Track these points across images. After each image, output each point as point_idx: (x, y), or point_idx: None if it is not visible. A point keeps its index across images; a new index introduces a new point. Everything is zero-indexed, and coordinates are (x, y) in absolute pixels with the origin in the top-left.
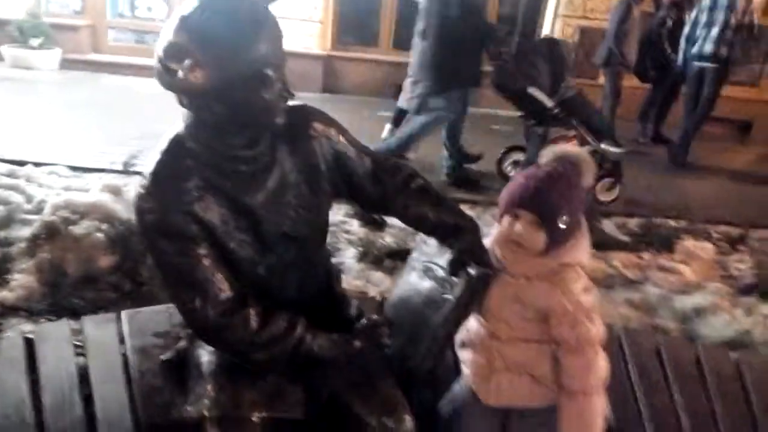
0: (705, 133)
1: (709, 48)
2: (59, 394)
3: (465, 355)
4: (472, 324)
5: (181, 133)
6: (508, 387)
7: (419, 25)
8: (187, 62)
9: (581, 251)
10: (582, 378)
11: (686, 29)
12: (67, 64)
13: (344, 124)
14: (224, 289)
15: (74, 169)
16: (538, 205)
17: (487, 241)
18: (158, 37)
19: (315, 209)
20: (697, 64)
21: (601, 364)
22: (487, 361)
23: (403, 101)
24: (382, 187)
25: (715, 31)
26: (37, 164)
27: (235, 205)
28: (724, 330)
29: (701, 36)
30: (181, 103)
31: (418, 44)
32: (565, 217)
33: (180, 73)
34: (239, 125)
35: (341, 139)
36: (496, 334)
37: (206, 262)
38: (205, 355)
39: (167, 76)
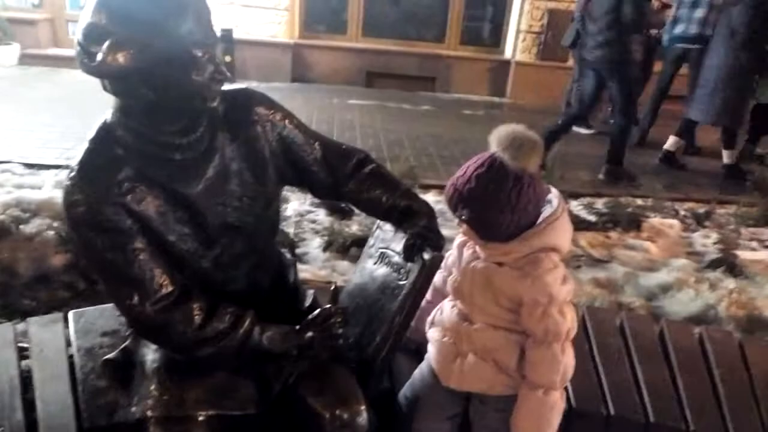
0: (673, 111)
1: (693, 29)
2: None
3: (432, 335)
4: (446, 304)
5: (110, 120)
6: (471, 371)
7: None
8: (107, 43)
9: (554, 238)
10: (545, 373)
11: (672, 10)
12: (26, 60)
13: (314, 113)
14: (163, 284)
15: (29, 166)
16: (449, 205)
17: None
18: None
19: (261, 198)
20: (680, 45)
21: (567, 361)
22: (454, 343)
23: (697, 113)
24: (333, 173)
25: (699, 12)
26: None
27: (171, 196)
28: (689, 306)
29: (685, 17)
30: (106, 89)
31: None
32: (463, 212)
33: (99, 56)
34: (169, 110)
35: (287, 123)
36: (468, 317)
37: (143, 256)
38: (150, 353)
39: (87, 60)
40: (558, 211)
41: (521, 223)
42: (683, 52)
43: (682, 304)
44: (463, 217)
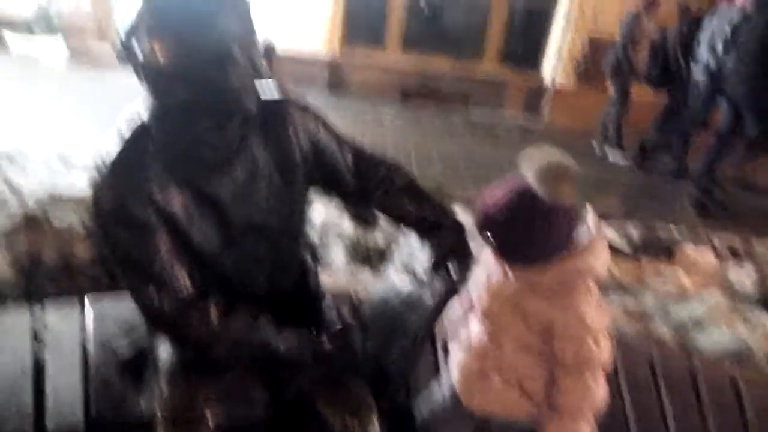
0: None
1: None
2: (9, 385)
3: (457, 356)
4: (473, 324)
5: (143, 116)
6: (495, 395)
7: None
8: (145, 40)
9: (589, 264)
10: (574, 401)
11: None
12: (74, 59)
13: (347, 126)
14: (183, 282)
15: (65, 162)
16: (481, 229)
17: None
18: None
19: (288, 201)
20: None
21: (599, 391)
22: (479, 365)
23: None
24: (364, 181)
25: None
26: (26, 156)
27: (199, 195)
28: (722, 341)
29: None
30: (142, 84)
31: None
32: (495, 238)
33: (138, 52)
34: (205, 108)
35: (321, 129)
36: (496, 340)
37: (165, 253)
38: (165, 350)
39: (127, 57)
40: (594, 236)
41: (552, 251)
42: None
43: (714, 338)
44: (492, 243)
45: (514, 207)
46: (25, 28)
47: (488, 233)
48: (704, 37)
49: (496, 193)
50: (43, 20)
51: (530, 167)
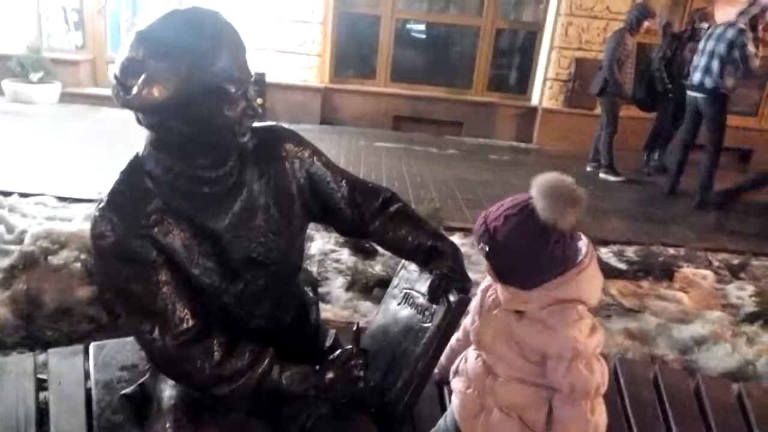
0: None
1: (698, 78)
2: (14, 429)
3: (456, 386)
4: (471, 355)
5: (142, 153)
6: (496, 427)
7: None
8: (143, 77)
9: (580, 289)
10: (573, 431)
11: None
12: (66, 98)
13: (341, 154)
14: (185, 319)
15: (62, 199)
16: (477, 237)
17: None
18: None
19: (286, 234)
20: (693, 94)
21: (598, 420)
22: (478, 396)
23: None
24: (360, 211)
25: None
26: (23, 194)
27: (198, 229)
28: (725, 360)
29: (698, 65)
30: (139, 122)
31: None
32: (484, 247)
33: (134, 89)
34: (201, 144)
35: (315, 160)
36: (493, 371)
37: (166, 289)
38: (167, 389)
39: (123, 93)
40: (585, 261)
41: (541, 276)
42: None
43: (718, 358)
44: (484, 252)
45: (512, 219)
46: (17, 64)
47: (483, 243)
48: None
49: (500, 207)
50: (34, 57)
51: (536, 187)
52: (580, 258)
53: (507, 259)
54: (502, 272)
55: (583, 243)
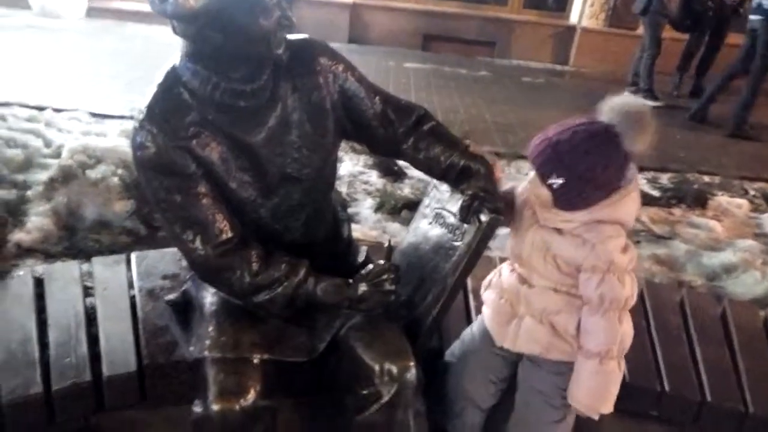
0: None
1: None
2: (65, 332)
3: (488, 296)
4: (504, 268)
5: (178, 65)
6: (527, 333)
7: None
8: None
9: (621, 211)
10: (602, 341)
11: None
12: (93, 13)
13: (370, 75)
14: (224, 229)
15: (94, 115)
16: (538, 164)
17: (522, 188)
18: None
19: (320, 149)
20: (752, 17)
21: (626, 330)
22: (511, 305)
23: None
24: (393, 129)
25: None
26: (57, 110)
27: (234, 144)
28: (754, 288)
29: None
30: (176, 31)
31: None
32: (557, 180)
33: None
34: (236, 56)
35: (349, 76)
36: (527, 280)
37: (205, 200)
38: (208, 296)
39: (159, 1)
40: (631, 187)
41: (598, 197)
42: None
43: (746, 285)
44: (553, 185)
45: (590, 146)
46: None
47: (553, 173)
48: None
49: (570, 132)
50: None
51: (626, 115)
52: (627, 183)
53: (576, 183)
54: (562, 196)
55: (632, 168)
